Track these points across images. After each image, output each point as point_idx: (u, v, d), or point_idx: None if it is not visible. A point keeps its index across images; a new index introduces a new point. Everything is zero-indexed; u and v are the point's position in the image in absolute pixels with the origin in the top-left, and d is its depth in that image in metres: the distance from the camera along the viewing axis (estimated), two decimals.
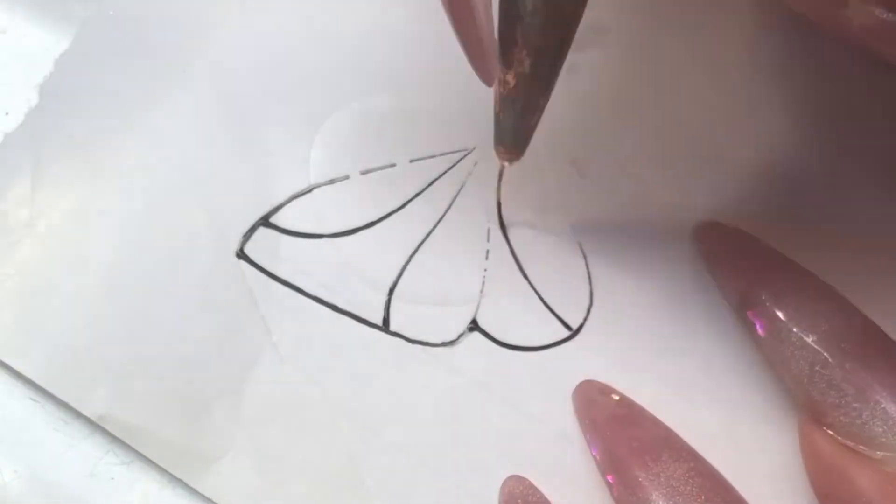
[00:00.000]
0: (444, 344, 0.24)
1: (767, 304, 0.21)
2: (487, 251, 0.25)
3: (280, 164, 0.25)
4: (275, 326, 0.24)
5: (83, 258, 0.24)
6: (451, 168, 0.25)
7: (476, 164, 0.25)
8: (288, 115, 0.25)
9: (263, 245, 0.24)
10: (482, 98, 0.25)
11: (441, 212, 0.25)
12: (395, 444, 0.23)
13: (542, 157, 0.25)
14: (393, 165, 0.25)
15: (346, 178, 0.25)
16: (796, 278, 0.22)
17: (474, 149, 0.25)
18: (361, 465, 0.23)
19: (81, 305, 0.24)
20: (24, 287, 0.24)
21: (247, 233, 0.24)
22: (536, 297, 0.24)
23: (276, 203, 0.25)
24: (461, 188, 0.25)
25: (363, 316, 0.24)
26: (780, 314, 0.21)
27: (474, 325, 0.24)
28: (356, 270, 0.24)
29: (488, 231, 0.25)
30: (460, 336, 0.24)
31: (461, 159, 0.25)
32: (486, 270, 0.24)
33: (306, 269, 0.24)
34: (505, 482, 0.22)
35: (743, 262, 0.23)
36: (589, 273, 0.24)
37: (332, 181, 0.25)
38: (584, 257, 0.24)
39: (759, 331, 0.21)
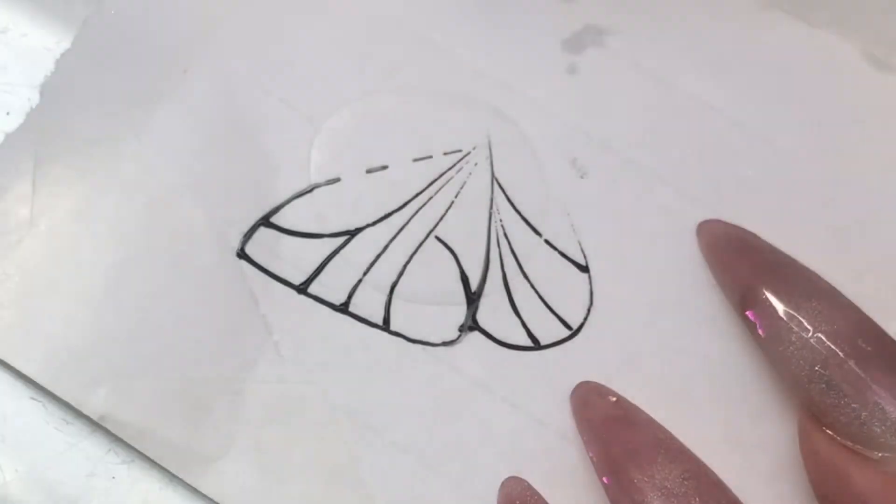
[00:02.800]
0: (444, 343, 0.24)
1: (767, 303, 0.21)
2: (488, 251, 0.25)
3: (280, 164, 0.25)
4: (275, 326, 0.24)
5: (84, 258, 0.24)
6: (451, 168, 0.25)
7: (476, 164, 0.25)
8: (288, 115, 0.25)
9: (264, 245, 0.24)
10: (482, 98, 0.26)
11: (441, 211, 0.25)
12: (395, 444, 0.23)
13: (542, 157, 0.25)
14: (394, 165, 0.25)
15: (347, 177, 0.25)
16: (797, 277, 0.22)
17: (474, 149, 0.25)
18: (361, 465, 0.23)
19: (82, 305, 0.24)
20: (24, 286, 0.24)
21: (247, 232, 0.24)
22: (536, 296, 0.24)
23: (276, 203, 0.25)
24: (461, 188, 0.25)
25: (363, 315, 0.24)
26: (780, 314, 0.21)
27: (474, 325, 0.24)
28: (357, 270, 0.24)
29: (488, 231, 0.25)
30: (460, 336, 0.24)
31: (461, 159, 0.25)
32: (486, 270, 0.24)
33: (307, 269, 0.24)
34: (503, 483, 0.22)
35: (743, 260, 0.23)
36: (589, 273, 0.24)
37: (332, 181, 0.25)
38: (585, 257, 0.24)
39: (760, 330, 0.21)
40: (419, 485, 0.23)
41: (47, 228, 0.24)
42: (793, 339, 0.20)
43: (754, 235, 0.23)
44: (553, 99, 0.26)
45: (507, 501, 0.22)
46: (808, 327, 0.20)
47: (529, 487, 0.22)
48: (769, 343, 0.21)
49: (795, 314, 0.20)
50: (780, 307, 0.21)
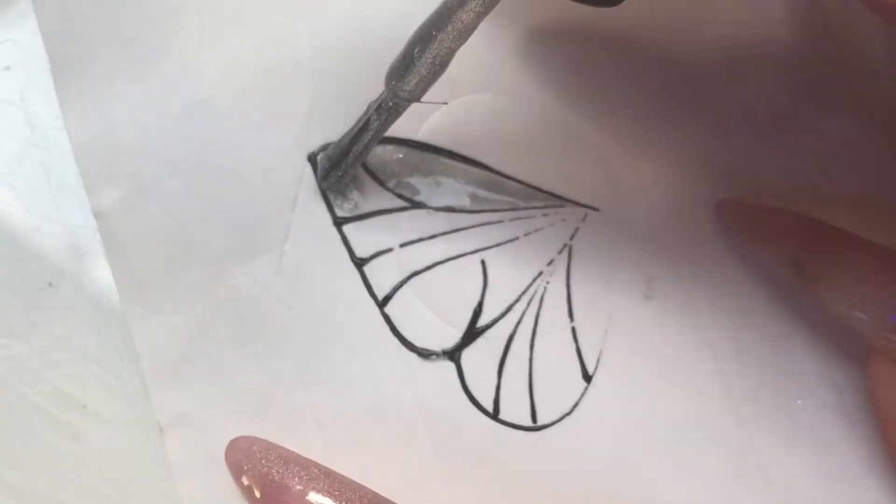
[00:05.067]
0: (419, 354, 0.23)
1: (831, 259, 0.21)
2: (516, 301, 0.23)
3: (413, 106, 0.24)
4: (293, 237, 0.23)
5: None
6: (540, 207, 0.24)
7: (564, 220, 0.24)
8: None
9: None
10: (618, 173, 0.24)
11: (502, 239, 0.24)
12: (313, 406, 0.23)
13: (622, 259, 0.24)
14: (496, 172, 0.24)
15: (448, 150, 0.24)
16: (844, 235, 0.22)
17: (573, 205, 0.24)
18: (277, 395, 0.23)
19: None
20: None
21: (329, 143, 0.24)
22: (527, 372, 0.23)
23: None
24: (535, 231, 0.24)
25: (370, 282, 0.23)
26: (847, 267, 0.21)
27: (455, 358, 0.23)
28: (395, 238, 0.24)
29: (529, 284, 0.24)
30: (437, 358, 0.23)
31: (556, 206, 0.24)
32: (501, 317, 0.23)
33: (356, 209, 0.24)
34: (233, 442, 0.22)
35: (789, 226, 0.23)
36: (588, 385, 0.23)
37: (432, 148, 0.24)
38: (595, 369, 0.23)
39: (830, 289, 0.21)
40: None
41: None
42: (868, 287, 0.21)
43: (776, 206, 0.23)
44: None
45: (245, 457, 0.21)
46: (878, 281, 0.21)
47: (261, 440, 0.22)
48: (838, 300, 0.21)
49: (862, 270, 0.21)
50: (844, 265, 0.21)
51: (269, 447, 0.22)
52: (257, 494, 0.21)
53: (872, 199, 0.24)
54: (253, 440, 0.22)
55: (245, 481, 0.21)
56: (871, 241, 0.22)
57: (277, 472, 0.21)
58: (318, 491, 0.20)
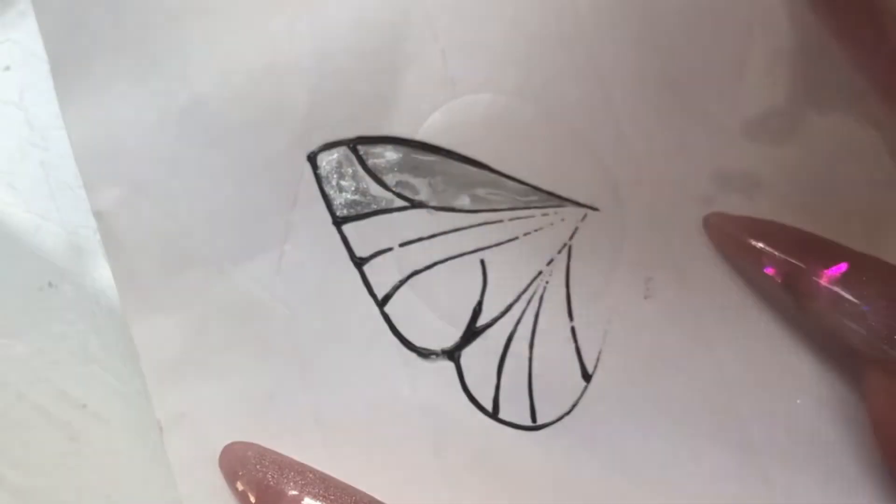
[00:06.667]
0: (418, 353, 0.23)
1: (824, 274, 0.21)
2: (515, 300, 0.23)
3: (405, 101, 0.24)
4: (293, 237, 0.23)
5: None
6: (540, 207, 0.24)
7: (563, 220, 0.24)
8: (438, 63, 0.24)
9: (336, 163, 0.24)
10: (619, 175, 0.24)
11: (502, 238, 0.24)
12: (315, 408, 0.23)
13: (620, 262, 0.24)
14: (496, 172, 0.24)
15: (448, 150, 0.24)
16: (836, 248, 0.22)
17: (573, 205, 0.24)
18: (275, 390, 0.23)
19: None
20: None
21: (330, 143, 0.24)
22: (527, 372, 0.23)
23: (375, 133, 0.24)
24: (535, 231, 0.24)
25: (370, 281, 0.23)
26: (838, 284, 0.21)
27: (454, 357, 0.23)
28: (394, 238, 0.24)
29: (529, 284, 0.24)
30: (436, 357, 0.23)
31: (556, 205, 0.24)
32: (501, 316, 0.23)
33: (355, 208, 0.24)
34: (227, 448, 0.22)
35: (780, 240, 0.22)
36: (588, 384, 0.23)
37: (433, 148, 0.24)
38: (595, 367, 0.23)
39: (822, 303, 0.21)
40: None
41: None
42: (862, 302, 0.21)
43: (766, 220, 0.23)
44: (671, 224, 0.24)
45: (240, 463, 0.22)
46: (873, 290, 0.21)
47: (255, 446, 0.22)
48: (836, 310, 0.21)
49: (854, 283, 0.21)
50: (835, 278, 0.21)
51: (263, 453, 0.22)
52: (252, 500, 0.21)
53: (871, 203, 0.24)
54: (247, 446, 0.22)
55: (240, 487, 0.21)
56: (863, 254, 0.21)
57: (272, 477, 0.21)
58: (314, 496, 0.20)
